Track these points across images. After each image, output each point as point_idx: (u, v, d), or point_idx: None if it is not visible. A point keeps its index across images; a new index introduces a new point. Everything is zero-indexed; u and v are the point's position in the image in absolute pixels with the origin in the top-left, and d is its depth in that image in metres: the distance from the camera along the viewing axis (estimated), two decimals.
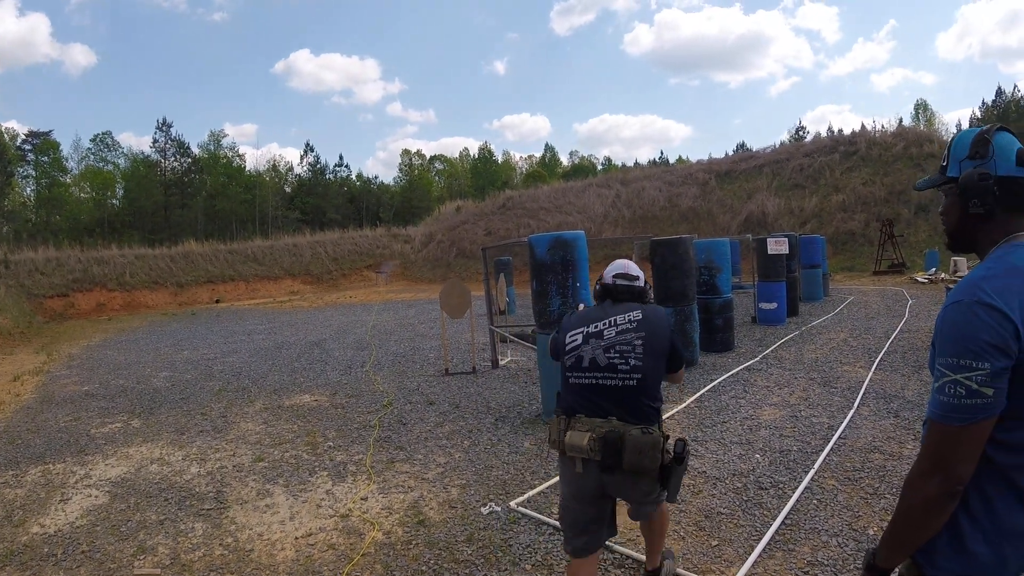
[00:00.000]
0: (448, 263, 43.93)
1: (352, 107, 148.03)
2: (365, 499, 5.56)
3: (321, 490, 5.85)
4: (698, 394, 8.46)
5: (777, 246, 14.25)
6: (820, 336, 12.67)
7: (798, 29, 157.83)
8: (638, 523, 3.71)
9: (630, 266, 3.38)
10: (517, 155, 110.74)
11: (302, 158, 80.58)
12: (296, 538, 4.92)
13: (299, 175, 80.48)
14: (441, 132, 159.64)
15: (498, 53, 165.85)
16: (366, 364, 12.54)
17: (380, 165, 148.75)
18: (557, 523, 4.25)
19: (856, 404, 7.56)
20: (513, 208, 48.61)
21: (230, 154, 75.55)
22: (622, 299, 3.26)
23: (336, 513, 5.31)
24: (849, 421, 6.97)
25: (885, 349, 10.79)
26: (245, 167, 76.58)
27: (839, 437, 6.48)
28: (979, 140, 1.74)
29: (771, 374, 9.44)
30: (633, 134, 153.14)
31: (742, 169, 42.58)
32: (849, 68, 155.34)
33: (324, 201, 74.99)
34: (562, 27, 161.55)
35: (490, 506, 5.25)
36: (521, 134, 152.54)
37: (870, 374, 9.06)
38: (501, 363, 11.60)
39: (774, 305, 14.37)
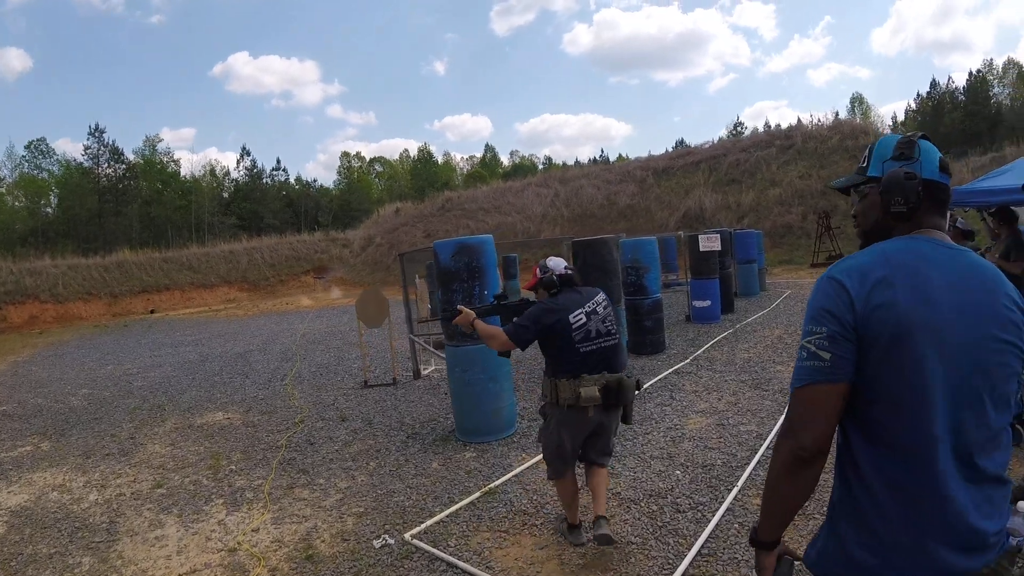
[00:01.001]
0: (387, 267, 42.76)
1: (291, 110, 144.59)
2: (256, 531, 5.22)
3: (214, 520, 5.51)
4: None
5: (709, 242, 13.83)
6: (754, 334, 12.26)
7: (736, 27, 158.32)
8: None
9: (564, 261, 4.31)
10: (458, 156, 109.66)
11: (239, 162, 78.35)
12: (179, 575, 4.59)
13: (236, 180, 78.34)
14: (382, 134, 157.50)
15: (438, 54, 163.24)
16: (287, 377, 11.99)
17: (321, 168, 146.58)
18: (452, 558, 4.41)
19: (787, 409, 7.07)
20: (452, 209, 47.93)
21: (165, 159, 73.19)
22: (574, 283, 4.21)
23: (224, 547, 4.98)
24: (778, 429, 6.46)
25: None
26: (180, 172, 74.51)
27: (768, 448, 5.98)
28: (906, 142, 1.78)
29: (700, 377, 8.95)
30: (574, 133, 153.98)
31: (680, 166, 42.42)
32: (786, 64, 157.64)
33: (261, 206, 72.90)
34: (502, 27, 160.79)
35: (383, 538, 4.85)
36: (462, 135, 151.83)
37: None
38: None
39: (708, 303, 13.94)
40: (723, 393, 8.04)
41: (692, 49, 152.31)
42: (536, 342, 4.13)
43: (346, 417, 8.50)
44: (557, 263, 4.22)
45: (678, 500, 5.01)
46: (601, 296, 4.18)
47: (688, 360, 10.13)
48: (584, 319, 3.98)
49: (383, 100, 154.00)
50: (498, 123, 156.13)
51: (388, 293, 11.36)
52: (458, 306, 4.30)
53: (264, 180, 79.01)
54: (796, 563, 1.85)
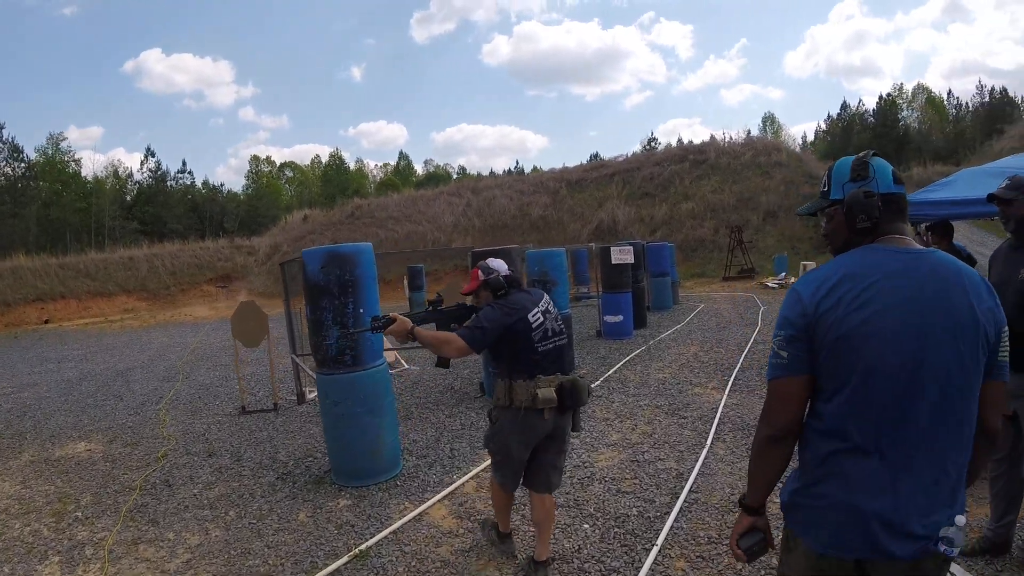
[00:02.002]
0: (293, 276, 41.03)
1: (203, 111, 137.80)
2: None
3: None
4: None
5: (622, 255, 13.09)
6: (669, 351, 11.53)
7: (653, 45, 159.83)
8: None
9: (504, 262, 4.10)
10: (372, 163, 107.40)
11: (142, 164, 74.56)
12: None
13: (139, 183, 74.39)
14: (295, 139, 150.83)
15: (356, 59, 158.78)
16: (163, 400, 10.67)
17: (232, 172, 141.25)
18: None
19: (710, 440, 6.28)
20: (362, 217, 46.44)
21: (67, 159, 68.66)
22: (519, 285, 4.03)
23: None
24: (702, 465, 5.65)
25: (739, 365, 9.71)
26: (81, 173, 70.01)
27: (691, 490, 5.14)
28: (859, 164, 1.96)
29: (612, 402, 8.08)
30: (490, 144, 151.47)
31: (593, 178, 42.16)
32: (700, 83, 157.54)
33: (165, 210, 69.28)
34: (421, 35, 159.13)
35: None
36: (378, 142, 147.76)
37: (724, 397, 7.87)
38: (309, 397, 9.79)
39: (620, 318, 13.18)
40: (637, 420, 7.19)
41: (610, 65, 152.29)
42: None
43: (214, 451, 7.42)
44: (500, 264, 4.07)
45: (586, 565, 4.09)
46: (547, 297, 4.07)
47: (599, 381, 9.29)
48: (541, 318, 3.85)
49: (297, 104, 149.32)
50: (414, 131, 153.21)
51: (293, 305, 10.13)
52: (391, 314, 3.73)
53: (168, 183, 75.37)
54: (767, 545, 2.09)
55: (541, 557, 4.01)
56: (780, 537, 2.12)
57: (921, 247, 1.89)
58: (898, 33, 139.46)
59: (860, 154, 2.00)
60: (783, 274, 25.06)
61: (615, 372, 9.87)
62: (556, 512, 4.86)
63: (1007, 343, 1.88)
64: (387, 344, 13.01)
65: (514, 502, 4.32)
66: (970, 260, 6.21)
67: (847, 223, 1.94)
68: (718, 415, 7.10)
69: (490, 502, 4.76)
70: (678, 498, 4.97)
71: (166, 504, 5.85)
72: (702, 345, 11.86)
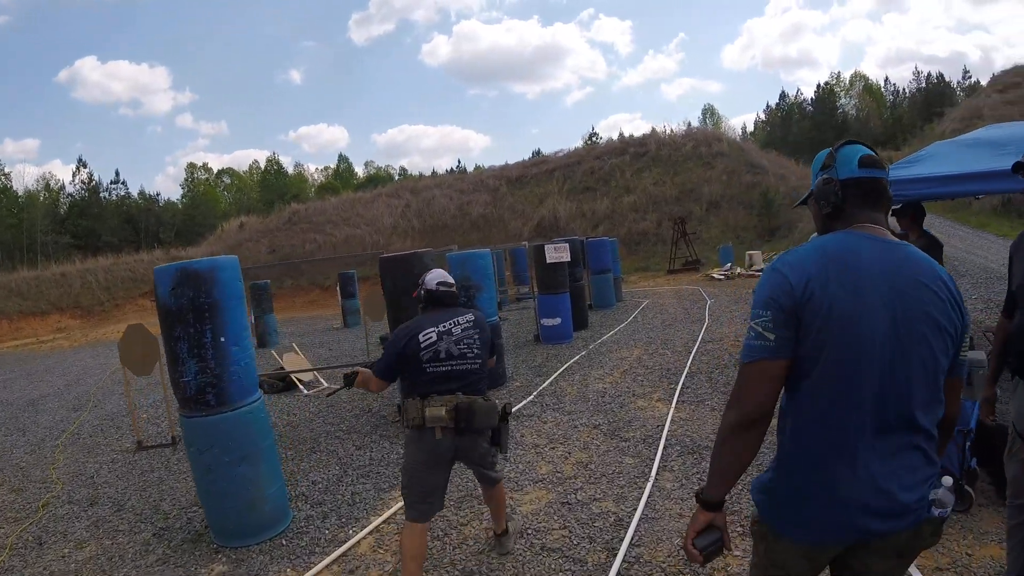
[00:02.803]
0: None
1: (140, 119, 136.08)
2: None
3: None
4: None
5: (557, 253, 12.12)
6: (611, 355, 10.58)
7: (593, 41, 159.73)
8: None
9: (446, 275, 4.04)
10: (312, 167, 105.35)
11: (74, 176, 71.81)
12: None
13: (72, 195, 71.62)
14: (235, 145, 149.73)
15: (294, 62, 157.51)
16: (63, 435, 9.49)
17: (170, 181, 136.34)
18: None
19: (654, 470, 5.30)
20: (299, 223, 45.43)
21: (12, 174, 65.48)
22: (446, 302, 3.93)
23: None
24: (646, 505, 4.67)
25: (687, 370, 8.77)
26: (11, 187, 66.92)
27: (631, 543, 4.15)
28: (829, 154, 2.02)
29: (545, 422, 7.08)
30: (433, 144, 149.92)
31: (533, 174, 41.63)
32: (640, 79, 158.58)
33: (99, 223, 66.88)
34: (360, 36, 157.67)
35: None
36: (318, 145, 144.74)
37: (671, 411, 6.91)
38: None
39: (558, 320, 12.19)
40: (572, 446, 6.19)
41: (550, 62, 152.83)
42: None
43: (97, 499, 6.37)
44: (431, 278, 4.00)
45: None
46: (466, 317, 3.90)
47: (532, 396, 8.28)
48: (434, 338, 3.73)
49: (236, 109, 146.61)
50: (355, 134, 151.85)
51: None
52: (356, 368, 3.91)
53: (102, 195, 72.70)
54: (723, 548, 1.95)
55: (499, 529, 4.26)
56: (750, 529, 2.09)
57: (894, 238, 1.89)
58: (834, 24, 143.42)
59: (838, 143, 2.05)
60: (728, 264, 24.49)
61: (550, 384, 8.87)
62: None
63: (967, 342, 1.91)
64: (300, 364, 12.05)
65: (421, 560, 3.70)
66: (936, 244, 5.51)
67: (816, 210, 2.01)
68: (664, 436, 6.13)
69: (388, 566, 4.32)
70: (615, 556, 3.98)
71: (32, 568, 4.94)
72: (646, 347, 10.95)
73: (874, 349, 1.76)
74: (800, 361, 1.81)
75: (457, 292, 4.09)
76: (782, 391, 1.87)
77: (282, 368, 11.65)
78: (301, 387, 10.96)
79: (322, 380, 11.18)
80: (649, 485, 5.01)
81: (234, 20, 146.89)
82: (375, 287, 13.98)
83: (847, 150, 1.97)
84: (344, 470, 6.34)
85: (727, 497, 1.96)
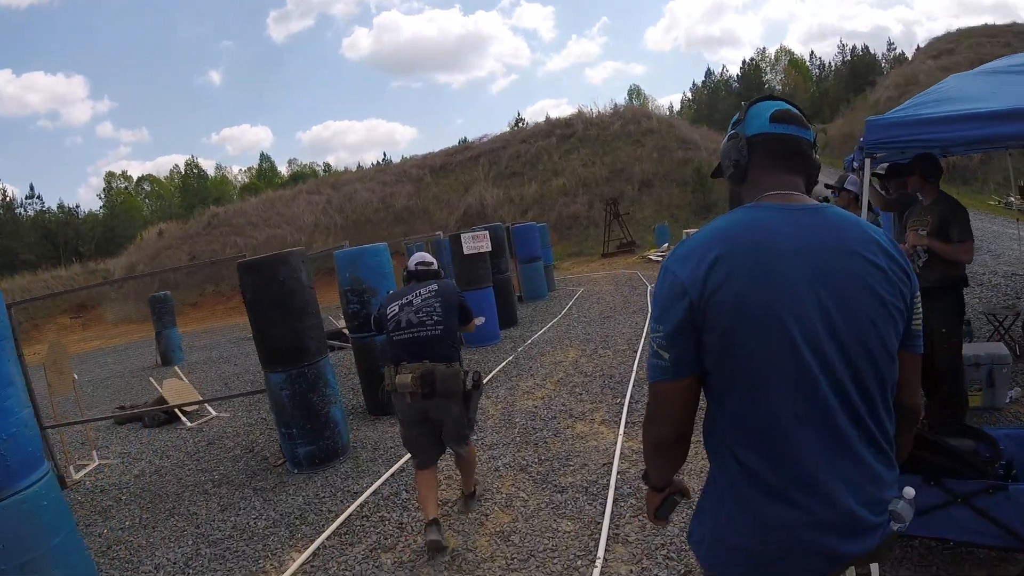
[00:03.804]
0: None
1: (59, 130, 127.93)
2: None
3: None
4: (312, 547, 4.35)
5: (476, 242, 10.53)
6: (543, 359, 9.02)
7: (516, 28, 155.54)
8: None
9: (427, 256, 4.60)
10: (236, 168, 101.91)
11: None
12: None
13: None
14: (157, 151, 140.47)
15: (213, 63, 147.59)
16: None
17: (92, 192, 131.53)
18: None
19: (602, 543, 3.75)
20: (219, 226, 43.22)
21: None
22: (422, 278, 4.43)
23: None
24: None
25: (634, 377, 7.24)
26: None
27: None
28: (740, 110, 1.72)
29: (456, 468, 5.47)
30: (359, 139, 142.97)
31: (458, 161, 40.08)
32: (565, 64, 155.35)
33: (15, 240, 63.07)
34: (279, 34, 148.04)
35: None
36: (242, 147, 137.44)
37: (619, 440, 5.38)
38: (78, 475, 7.20)
39: (481, 319, 10.44)
40: (490, 504, 4.61)
41: (473, 51, 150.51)
42: None
43: None
44: (414, 259, 4.54)
45: None
46: (428, 288, 4.29)
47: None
48: (396, 310, 4.19)
49: (157, 115, 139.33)
50: (279, 133, 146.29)
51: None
52: None
53: (17, 211, 68.90)
54: (683, 499, 1.83)
55: (467, 490, 4.67)
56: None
57: (815, 203, 1.60)
58: (756, 2, 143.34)
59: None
60: (666, 245, 23.36)
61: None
62: None
63: (920, 310, 1.63)
64: (182, 392, 10.19)
65: (435, 485, 4.24)
66: (960, 209, 4.40)
67: (724, 174, 1.76)
68: (612, 481, 4.58)
69: None
70: None
71: None
72: (584, 346, 9.41)
73: (807, 345, 1.45)
74: (717, 372, 1.51)
75: (438, 269, 4.57)
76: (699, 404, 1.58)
77: (161, 397, 9.81)
78: (184, 419, 9.17)
79: (211, 409, 9.38)
80: (597, 572, 3.45)
81: (150, 23, 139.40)
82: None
83: (761, 105, 1.68)
84: (198, 546, 4.81)
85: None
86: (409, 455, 4.60)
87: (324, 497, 5.30)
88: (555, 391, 7.23)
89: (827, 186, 5.44)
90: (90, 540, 5.26)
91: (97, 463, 7.67)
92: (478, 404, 4.47)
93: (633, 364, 7.81)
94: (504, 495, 4.70)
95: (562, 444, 5.52)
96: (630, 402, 6.33)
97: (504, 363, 9.07)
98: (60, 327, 36.75)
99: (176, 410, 9.30)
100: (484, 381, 4.73)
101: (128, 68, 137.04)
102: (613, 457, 5.01)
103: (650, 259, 21.81)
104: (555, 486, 4.70)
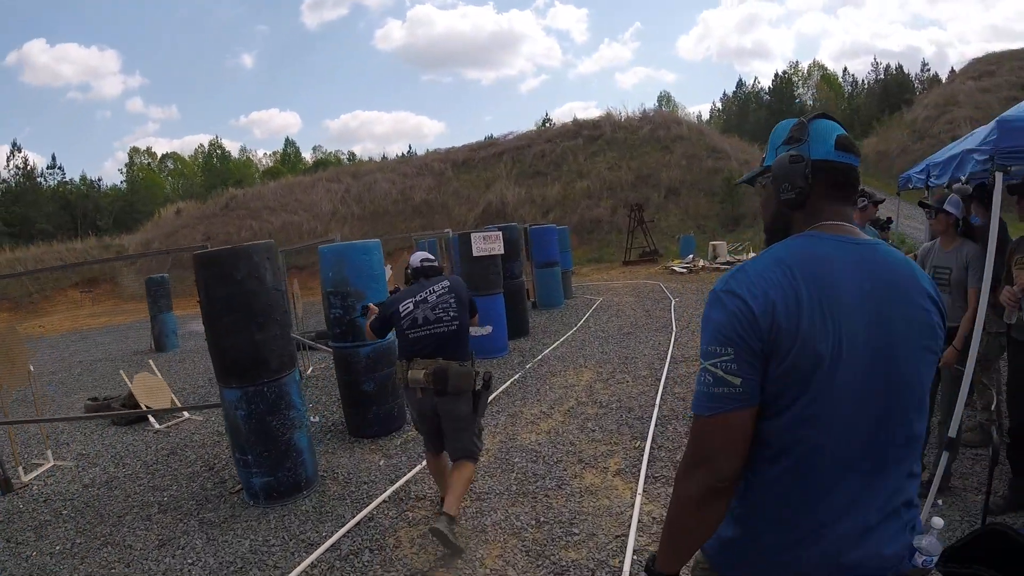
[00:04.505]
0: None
1: (89, 103, 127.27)
2: None
3: None
4: None
5: (487, 244, 9.54)
6: (553, 380, 8.02)
7: (549, 29, 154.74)
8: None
9: (428, 254, 4.55)
10: (261, 152, 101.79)
11: (8, 160, 68.44)
12: None
13: (5, 181, 67.77)
14: (185, 130, 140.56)
15: (246, 46, 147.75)
16: None
17: (120, 166, 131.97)
18: None
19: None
20: (236, 208, 42.52)
21: None
22: (429, 274, 4.41)
23: None
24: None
25: (656, 412, 6.22)
26: None
27: None
28: (798, 125, 1.62)
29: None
30: (386, 130, 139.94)
31: (481, 157, 39.02)
32: (595, 67, 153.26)
33: (33, 210, 63.28)
34: (313, 21, 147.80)
35: None
36: (270, 131, 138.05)
37: (637, 501, 4.37)
38: (28, 477, 6.53)
39: (487, 329, 9.43)
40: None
41: (505, 49, 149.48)
42: None
43: None
44: (415, 257, 4.53)
45: None
46: (441, 284, 4.31)
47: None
48: (411, 307, 4.17)
49: (187, 94, 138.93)
50: (307, 119, 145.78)
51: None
52: (368, 303, 4.99)
53: (38, 180, 68.95)
54: None
55: (448, 510, 4.03)
56: None
57: (866, 237, 1.54)
58: (789, 16, 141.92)
59: (811, 114, 1.62)
60: (690, 256, 22.21)
61: None
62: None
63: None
64: (154, 389, 9.24)
65: (444, 473, 4.39)
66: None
67: (774, 192, 1.60)
68: (627, 567, 3.57)
69: None
70: None
71: None
72: (600, 368, 8.39)
73: (866, 381, 1.42)
74: (770, 403, 1.44)
75: (440, 265, 4.60)
76: None
77: (130, 394, 8.87)
78: (152, 420, 8.26)
79: (185, 412, 8.47)
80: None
81: (186, 2, 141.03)
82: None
83: (823, 123, 1.58)
84: None
85: None
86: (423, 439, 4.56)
87: (273, 545, 4.36)
88: (563, 423, 6.24)
89: (923, 204, 4.44)
90: (15, 564, 4.65)
91: (51, 464, 6.91)
92: (486, 405, 4.43)
93: (656, 396, 6.78)
94: (488, 571, 3.71)
95: (567, 501, 4.52)
96: (652, 447, 5.32)
97: (509, 382, 8.05)
98: (70, 300, 36.48)
99: (144, 408, 8.40)
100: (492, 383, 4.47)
101: (161, 46, 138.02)
102: (629, 527, 4.00)
103: (674, 270, 20.73)
104: (553, 563, 3.69)
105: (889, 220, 6.87)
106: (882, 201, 5.75)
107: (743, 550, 1.55)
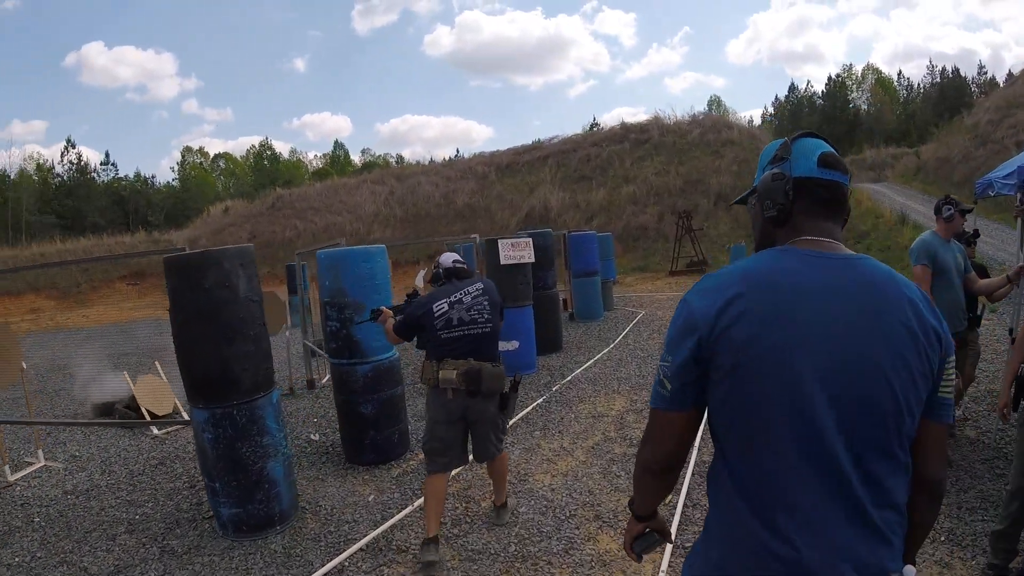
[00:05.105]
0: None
1: (147, 104, 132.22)
2: None
3: None
4: None
5: (515, 251, 8.77)
6: (581, 407, 7.20)
7: (597, 34, 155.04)
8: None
9: (456, 255, 4.46)
10: (311, 154, 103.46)
11: (63, 156, 69.89)
12: None
13: (60, 175, 70.23)
14: (239, 131, 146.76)
15: (299, 50, 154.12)
16: None
17: (175, 166, 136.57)
18: None
19: None
20: (282, 208, 42.94)
21: None
22: (461, 275, 4.29)
23: None
24: None
25: (694, 460, 5.31)
26: None
27: None
28: (783, 145, 1.65)
29: None
30: (435, 135, 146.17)
31: (525, 161, 38.41)
32: (644, 72, 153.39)
33: (86, 204, 65.60)
34: (363, 26, 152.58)
35: None
36: (322, 133, 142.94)
37: None
38: (14, 477, 6.29)
39: (514, 345, 8.72)
40: None
41: (553, 54, 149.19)
42: None
43: None
44: (447, 257, 4.41)
45: None
46: (476, 286, 4.23)
47: (420, 502, 4.90)
48: (445, 308, 4.07)
49: (241, 97, 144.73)
50: (358, 123, 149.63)
51: None
52: (381, 307, 4.58)
53: (91, 175, 71.10)
54: (664, 543, 1.89)
55: (499, 501, 4.48)
56: None
57: (850, 252, 1.53)
58: (840, 19, 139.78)
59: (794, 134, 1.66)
60: None
61: (466, 474, 5.44)
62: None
63: (952, 376, 1.52)
64: (158, 392, 8.68)
65: (444, 497, 4.13)
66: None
67: (759, 210, 1.63)
68: None
69: None
70: None
71: None
72: (634, 394, 7.55)
73: (814, 395, 1.38)
74: (720, 412, 1.48)
75: (469, 267, 4.42)
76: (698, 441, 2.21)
77: (132, 396, 8.36)
78: (153, 428, 7.70)
79: (185, 415, 7.90)
80: None
81: (241, 7, 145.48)
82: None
83: (807, 142, 1.60)
84: None
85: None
86: (426, 459, 4.27)
87: None
88: (585, 464, 5.42)
89: None
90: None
91: (42, 464, 6.64)
92: (514, 407, 4.37)
93: (696, 439, 5.89)
94: None
95: (573, 573, 3.71)
96: (685, 505, 4.45)
97: (530, 407, 7.25)
98: (117, 292, 37.01)
99: (145, 412, 7.93)
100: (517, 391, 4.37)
101: (217, 49, 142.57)
102: None
103: None
104: None
105: (976, 233, 5.95)
106: (970, 211, 4.89)
107: (705, 563, 1.55)
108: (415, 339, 4.23)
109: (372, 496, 5.07)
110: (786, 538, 1.38)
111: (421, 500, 4.78)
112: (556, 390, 7.99)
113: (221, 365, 4.29)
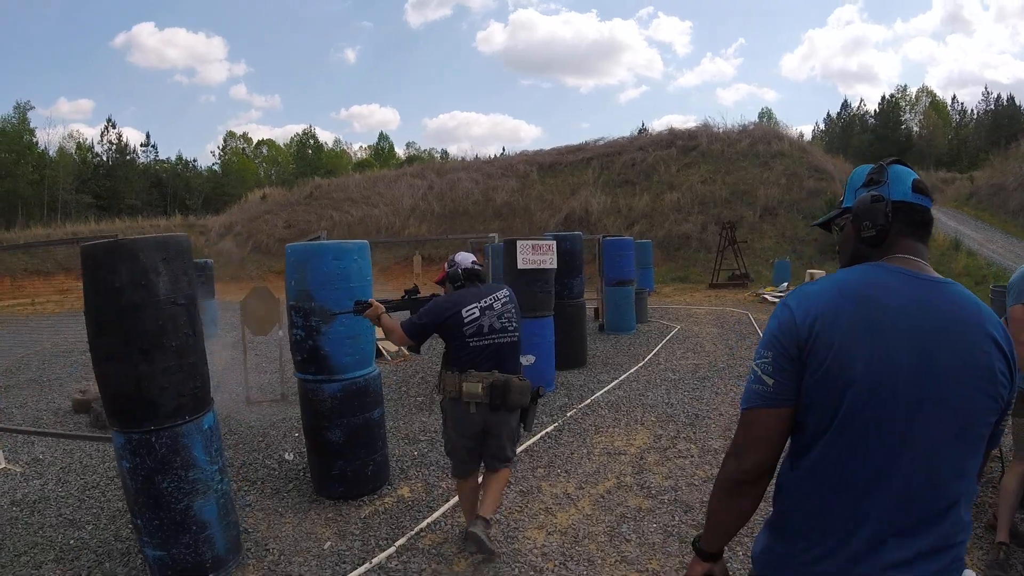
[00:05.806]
0: (241, 259, 36.96)
1: (194, 87, 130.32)
2: None
3: None
4: None
5: (536, 254, 7.82)
6: (594, 440, 6.22)
7: (651, 40, 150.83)
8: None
9: (473, 255, 4.17)
10: (356, 145, 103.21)
11: (102, 136, 69.73)
12: None
13: (99, 155, 69.90)
14: (287, 119, 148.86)
15: (350, 41, 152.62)
16: None
17: (215, 150, 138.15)
18: None
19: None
20: (320, 198, 42.73)
21: (21, 129, 63.72)
22: (481, 278, 4.06)
23: None
24: None
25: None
26: (37, 143, 64.74)
27: None
28: (876, 169, 1.69)
29: None
30: (483, 132, 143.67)
31: (568, 161, 37.50)
32: (696, 81, 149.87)
33: (124, 185, 65.47)
34: (416, 20, 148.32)
35: None
36: (369, 125, 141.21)
37: None
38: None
39: (531, 359, 7.73)
40: None
41: (606, 58, 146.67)
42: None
43: None
44: (464, 257, 4.14)
45: None
46: (503, 292, 4.03)
47: (393, 547, 4.03)
48: (477, 313, 3.84)
49: (290, 84, 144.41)
50: (406, 116, 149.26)
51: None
52: (369, 299, 3.97)
53: (130, 156, 70.85)
54: None
55: (485, 513, 3.93)
56: None
57: (939, 276, 1.56)
58: (896, 40, 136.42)
59: (884, 160, 1.69)
60: (785, 284, 20.06)
61: (441, 522, 4.53)
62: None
63: (1011, 411, 1.66)
64: None
65: (476, 491, 4.07)
66: None
67: (854, 230, 1.66)
68: None
69: None
70: None
71: None
72: (660, 427, 6.54)
73: (898, 409, 1.43)
74: (802, 419, 1.52)
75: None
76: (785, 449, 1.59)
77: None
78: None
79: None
80: None
81: None
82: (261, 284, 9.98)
83: (900, 168, 1.64)
84: None
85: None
86: (451, 463, 4.13)
87: None
88: (590, 519, 4.45)
89: None
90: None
91: (3, 466, 6.11)
92: (535, 418, 4.13)
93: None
94: None
95: None
96: None
97: (538, 436, 6.25)
98: None
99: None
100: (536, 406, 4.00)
101: (267, 36, 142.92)
102: None
103: (765, 298, 18.63)
104: None
105: None
106: None
107: (774, 557, 1.58)
108: (415, 340, 3.89)
109: (328, 543, 4.18)
110: (851, 540, 1.43)
111: (383, 555, 3.91)
112: (571, 415, 7.00)
113: (135, 383, 3.43)
